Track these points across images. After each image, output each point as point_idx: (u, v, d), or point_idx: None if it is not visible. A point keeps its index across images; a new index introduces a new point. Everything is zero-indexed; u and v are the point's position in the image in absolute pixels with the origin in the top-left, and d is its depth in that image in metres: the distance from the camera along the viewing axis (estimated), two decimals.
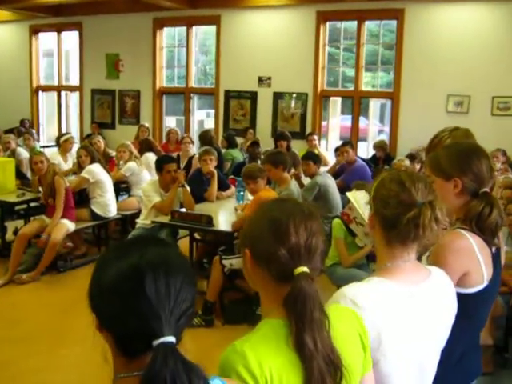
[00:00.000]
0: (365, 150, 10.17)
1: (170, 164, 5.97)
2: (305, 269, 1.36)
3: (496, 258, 2.01)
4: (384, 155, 8.58)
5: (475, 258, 1.92)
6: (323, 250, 1.44)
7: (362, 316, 1.52)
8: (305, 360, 1.30)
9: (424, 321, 1.64)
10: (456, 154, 2.08)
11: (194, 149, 8.80)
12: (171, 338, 1.08)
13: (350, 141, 8.55)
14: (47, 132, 13.01)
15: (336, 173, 7.64)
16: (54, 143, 10.18)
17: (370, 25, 9.79)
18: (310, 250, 1.39)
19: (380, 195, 1.70)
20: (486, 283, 1.95)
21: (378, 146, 8.81)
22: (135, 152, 7.58)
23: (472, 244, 1.92)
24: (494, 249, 2.00)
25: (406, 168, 6.21)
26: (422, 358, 1.66)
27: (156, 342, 1.07)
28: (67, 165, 8.16)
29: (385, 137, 10.98)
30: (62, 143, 8.32)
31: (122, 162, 7.47)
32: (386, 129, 12.67)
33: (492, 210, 1.95)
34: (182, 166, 7.81)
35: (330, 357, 1.32)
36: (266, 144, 9.16)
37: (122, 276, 1.13)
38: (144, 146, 8.14)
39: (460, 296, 1.82)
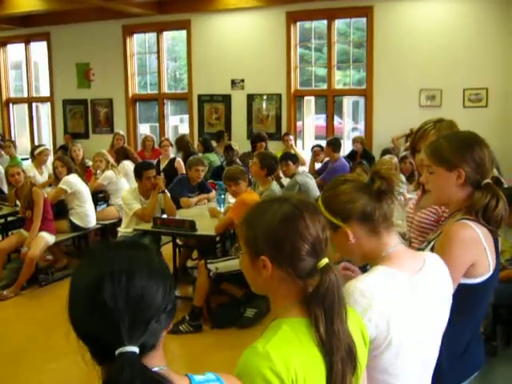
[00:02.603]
0: (341, 148, 10.20)
1: (149, 170, 5.93)
2: (327, 260, 1.37)
3: (496, 245, 2.01)
4: (362, 149, 8.65)
5: (482, 247, 1.91)
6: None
7: (372, 306, 1.53)
8: (330, 353, 1.30)
9: (424, 308, 1.65)
10: (458, 143, 2.02)
11: (173, 153, 8.76)
12: (131, 348, 1.09)
13: (336, 139, 8.35)
14: (19, 145, 12.78)
15: (319, 171, 7.82)
16: (26, 156, 10.02)
17: (338, 24, 9.84)
18: (327, 242, 1.40)
19: (340, 203, 1.71)
20: (491, 272, 1.95)
21: (357, 139, 8.88)
22: (112, 161, 7.50)
23: (478, 234, 1.90)
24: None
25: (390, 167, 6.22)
26: (423, 344, 1.67)
27: (117, 352, 1.08)
28: (43, 177, 8.04)
29: (359, 134, 11.05)
30: (36, 155, 8.18)
31: (99, 172, 7.39)
32: (359, 126, 12.78)
33: (498, 202, 1.92)
34: (161, 168, 7.81)
35: (350, 347, 1.34)
36: (242, 146, 9.14)
37: (84, 286, 1.14)
38: (120, 154, 8.08)
39: (466, 287, 1.83)
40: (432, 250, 1.96)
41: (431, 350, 1.72)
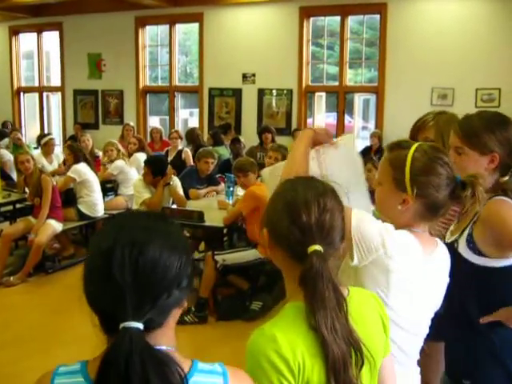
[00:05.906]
0: None
1: None
2: (317, 247, 1.32)
3: None
4: (378, 145, 8.62)
5: None
6: (341, 226, 1.39)
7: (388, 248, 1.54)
8: (322, 342, 1.26)
9: (429, 286, 1.66)
10: (494, 124, 1.93)
11: (181, 145, 8.77)
12: (136, 324, 1.05)
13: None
14: (29, 134, 12.83)
15: None
16: (35, 145, 10.05)
17: (350, 22, 9.79)
18: (323, 228, 1.35)
19: (427, 181, 1.64)
20: None
21: (375, 134, 8.88)
22: (123, 150, 7.52)
23: None
24: None
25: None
26: (420, 310, 1.67)
27: (120, 326, 1.05)
28: (52, 166, 8.08)
29: (368, 133, 11.02)
30: (43, 146, 8.23)
31: (106, 159, 7.46)
32: (370, 125, 12.71)
33: None
34: (169, 159, 7.84)
35: (348, 338, 1.28)
36: (252, 141, 9.13)
37: (96, 254, 1.12)
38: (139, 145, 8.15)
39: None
40: (470, 237, 1.92)
41: (423, 319, 1.71)
